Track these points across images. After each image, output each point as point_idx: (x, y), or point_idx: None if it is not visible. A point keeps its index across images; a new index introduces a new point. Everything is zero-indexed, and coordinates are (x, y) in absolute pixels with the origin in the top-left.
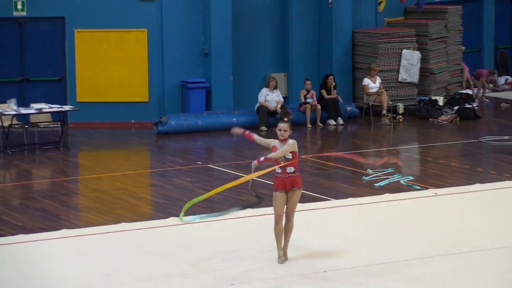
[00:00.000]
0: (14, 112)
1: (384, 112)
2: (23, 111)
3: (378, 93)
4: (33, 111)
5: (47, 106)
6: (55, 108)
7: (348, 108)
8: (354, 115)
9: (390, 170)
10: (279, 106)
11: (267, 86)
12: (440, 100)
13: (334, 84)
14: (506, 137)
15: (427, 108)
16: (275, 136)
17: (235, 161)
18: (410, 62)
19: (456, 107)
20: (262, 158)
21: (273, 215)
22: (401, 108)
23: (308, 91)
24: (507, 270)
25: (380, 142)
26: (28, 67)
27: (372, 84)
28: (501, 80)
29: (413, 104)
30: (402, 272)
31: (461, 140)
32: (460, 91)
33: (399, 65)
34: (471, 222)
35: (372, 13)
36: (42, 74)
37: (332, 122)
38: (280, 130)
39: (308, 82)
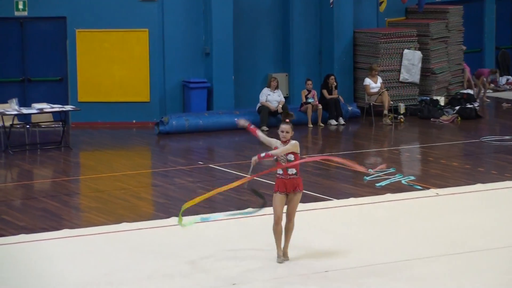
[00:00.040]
0: (15, 112)
1: (386, 112)
2: (25, 111)
3: (379, 93)
4: (35, 111)
5: (49, 106)
6: (57, 108)
7: (349, 108)
8: (355, 115)
9: (391, 170)
10: (280, 106)
11: (268, 86)
12: (441, 100)
13: (335, 84)
14: (508, 137)
15: (429, 108)
16: (276, 137)
17: (237, 161)
18: (411, 62)
19: (457, 107)
20: (263, 154)
21: (273, 216)
22: (402, 108)
23: (309, 91)
24: (508, 270)
25: (382, 142)
26: (30, 67)
27: (374, 84)
28: (503, 80)
29: (415, 104)
30: (404, 272)
31: (462, 140)
32: (461, 91)
33: (400, 65)
34: (473, 222)
35: (373, 13)
36: (43, 74)
37: (333, 122)
38: (282, 131)
39: (310, 82)
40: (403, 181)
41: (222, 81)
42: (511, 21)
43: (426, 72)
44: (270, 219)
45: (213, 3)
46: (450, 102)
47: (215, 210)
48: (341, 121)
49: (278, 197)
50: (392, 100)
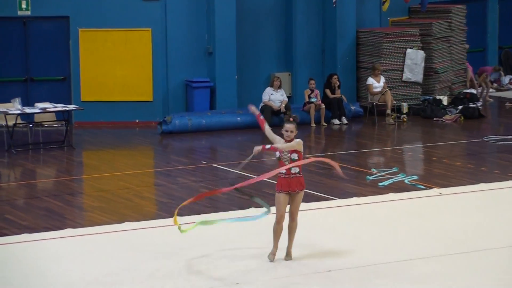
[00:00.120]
0: (18, 112)
1: (388, 111)
2: (28, 110)
3: (382, 93)
4: (38, 111)
5: (52, 106)
6: (60, 107)
7: (352, 108)
8: (358, 114)
9: (394, 169)
10: (283, 105)
11: (271, 86)
12: (444, 100)
13: (338, 83)
14: (511, 137)
15: (431, 107)
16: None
17: (239, 161)
18: (414, 61)
19: (460, 107)
20: (268, 146)
21: (275, 215)
22: (405, 107)
23: (312, 91)
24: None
25: (384, 141)
26: (33, 66)
27: (376, 84)
28: (505, 79)
29: (417, 104)
30: (406, 272)
31: (465, 140)
32: (464, 91)
33: (403, 64)
34: (475, 221)
35: (376, 12)
36: (46, 74)
37: (336, 121)
38: (286, 131)
39: (312, 82)
40: (406, 181)
41: (225, 80)
42: None
43: (429, 71)
44: (272, 219)
45: (216, 2)
46: (453, 102)
47: (218, 210)
48: (344, 120)
49: (282, 197)
50: (395, 100)
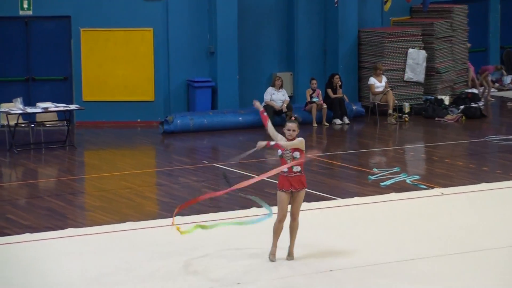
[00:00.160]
0: (20, 111)
1: (390, 111)
2: (29, 110)
3: (384, 92)
4: (39, 110)
5: (53, 105)
6: (61, 107)
7: (354, 107)
8: (360, 114)
9: (396, 169)
10: (285, 105)
11: (273, 85)
12: (446, 99)
13: (340, 83)
14: None
15: (433, 107)
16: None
17: (241, 160)
18: (416, 61)
19: (462, 106)
20: (272, 143)
21: (276, 214)
22: (407, 107)
23: (314, 90)
24: None
25: (386, 141)
26: (34, 66)
27: (378, 83)
28: (507, 79)
29: (419, 103)
30: (408, 272)
31: (467, 139)
32: (466, 90)
33: (405, 64)
34: (477, 221)
35: (378, 12)
36: (48, 73)
37: (338, 121)
38: (289, 130)
39: (314, 81)
40: (407, 181)
41: (226, 80)
42: None
43: (430, 71)
44: (273, 219)
45: (218, 2)
46: (455, 102)
47: (220, 210)
48: (346, 120)
49: (284, 196)
50: (396, 100)
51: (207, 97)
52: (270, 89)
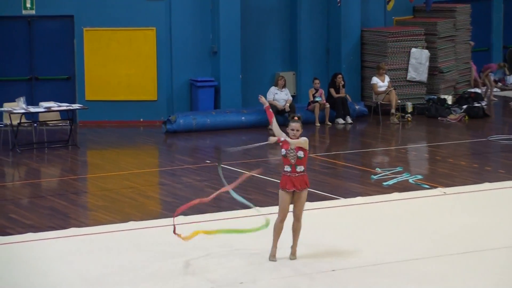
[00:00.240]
0: (23, 111)
1: (393, 111)
2: (32, 109)
3: (386, 92)
4: (42, 110)
5: (56, 105)
6: (64, 106)
7: (357, 107)
8: (362, 114)
9: (398, 169)
10: (288, 105)
11: (276, 85)
12: (449, 99)
13: (342, 83)
14: None
15: (436, 107)
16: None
17: (244, 160)
18: (418, 61)
19: (464, 106)
20: (282, 138)
21: (277, 214)
22: (409, 107)
23: (316, 90)
24: None
25: (389, 141)
26: (37, 65)
27: (381, 83)
28: (510, 79)
29: (422, 103)
30: (411, 272)
31: (470, 139)
32: (468, 90)
33: (408, 64)
34: (480, 221)
35: (380, 11)
36: (51, 73)
37: (340, 121)
38: (292, 129)
39: (317, 81)
40: (410, 180)
41: (229, 79)
42: None
43: (433, 71)
44: (274, 218)
45: (221, 2)
46: (458, 101)
47: (221, 210)
48: (349, 120)
49: (286, 195)
50: (399, 99)
51: (210, 97)
52: (273, 89)
